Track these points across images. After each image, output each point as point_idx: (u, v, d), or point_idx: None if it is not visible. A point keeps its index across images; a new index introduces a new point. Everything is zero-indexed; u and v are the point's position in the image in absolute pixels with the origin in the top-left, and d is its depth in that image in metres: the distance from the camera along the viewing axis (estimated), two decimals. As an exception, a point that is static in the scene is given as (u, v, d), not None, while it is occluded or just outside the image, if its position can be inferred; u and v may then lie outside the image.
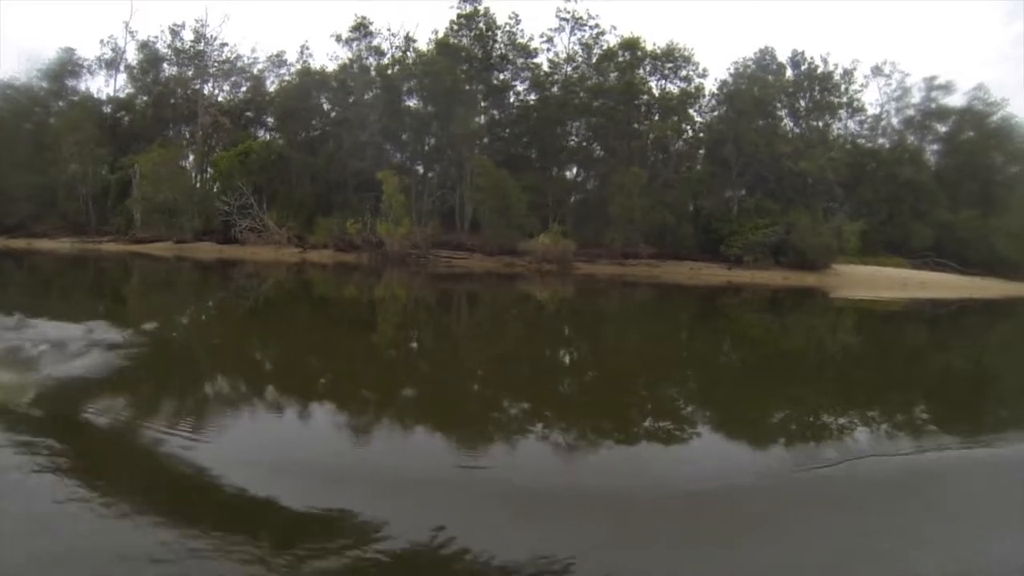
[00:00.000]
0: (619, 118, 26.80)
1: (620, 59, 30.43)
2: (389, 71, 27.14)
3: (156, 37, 36.16)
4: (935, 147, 39.37)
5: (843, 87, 36.75)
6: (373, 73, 27.72)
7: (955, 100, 38.72)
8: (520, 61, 28.31)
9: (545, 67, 30.29)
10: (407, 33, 28.40)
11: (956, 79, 41.54)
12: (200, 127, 35.70)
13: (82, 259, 25.50)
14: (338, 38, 28.84)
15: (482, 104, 28.59)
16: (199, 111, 35.38)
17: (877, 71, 38.59)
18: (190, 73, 37.03)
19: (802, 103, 35.18)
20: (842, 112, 36.82)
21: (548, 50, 31.03)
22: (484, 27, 26.62)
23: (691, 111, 30.71)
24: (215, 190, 30.62)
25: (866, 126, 38.67)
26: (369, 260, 24.14)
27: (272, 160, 29.54)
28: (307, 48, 32.12)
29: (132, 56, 36.00)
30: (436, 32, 27.33)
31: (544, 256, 23.27)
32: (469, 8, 26.69)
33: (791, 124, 32.15)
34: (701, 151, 29.56)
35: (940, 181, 37.78)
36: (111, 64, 35.31)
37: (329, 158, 27.97)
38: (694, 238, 27.03)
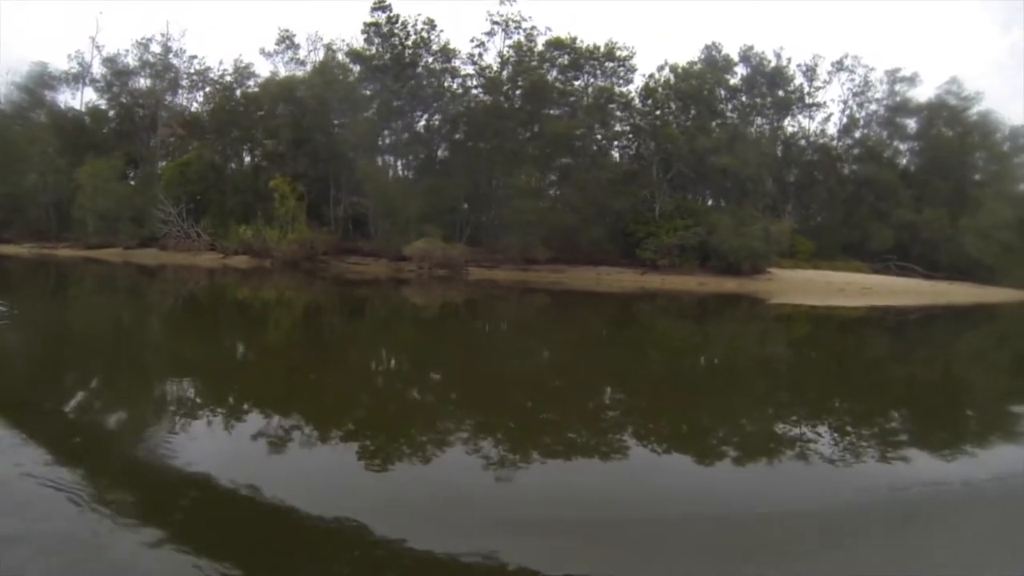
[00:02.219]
0: (523, 118, 26.38)
1: (554, 59, 30.21)
2: (309, 83, 27.66)
3: (127, 50, 38.00)
4: (906, 144, 37.24)
5: (796, 83, 35.32)
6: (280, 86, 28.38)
7: (923, 93, 36.64)
8: (440, 66, 28.30)
9: (477, 71, 30.27)
10: (326, 43, 29.06)
11: (922, 71, 39.47)
12: (160, 138, 37.45)
13: (33, 263, 27.36)
14: (262, 51, 29.68)
15: (412, 111, 28.64)
16: (159, 123, 37.09)
17: (839, 66, 36.84)
18: (164, 85, 38.78)
19: (746, 98, 33.93)
20: (794, 107, 35.32)
21: (481, 55, 31.07)
22: (398, 35, 26.71)
23: (619, 111, 29.99)
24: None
25: (828, 122, 37.03)
26: (271, 264, 24.72)
27: (206, 170, 30.65)
28: (241, 60, 33.34)
29: (98, 70, 37.88)
30: (346, 42, 27.80)
31: (437, 261, 23.16)
32: (382, 16, 26.92)
33: (737, 120, 30.80)
34: (629, 150, 28.66)
35: (908, 180, 35.69)
36: (78, 78, 37.32)
37: (255, 167, 28.81)
38: (611, 242, 26.22)
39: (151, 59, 38.30)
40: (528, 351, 9.69)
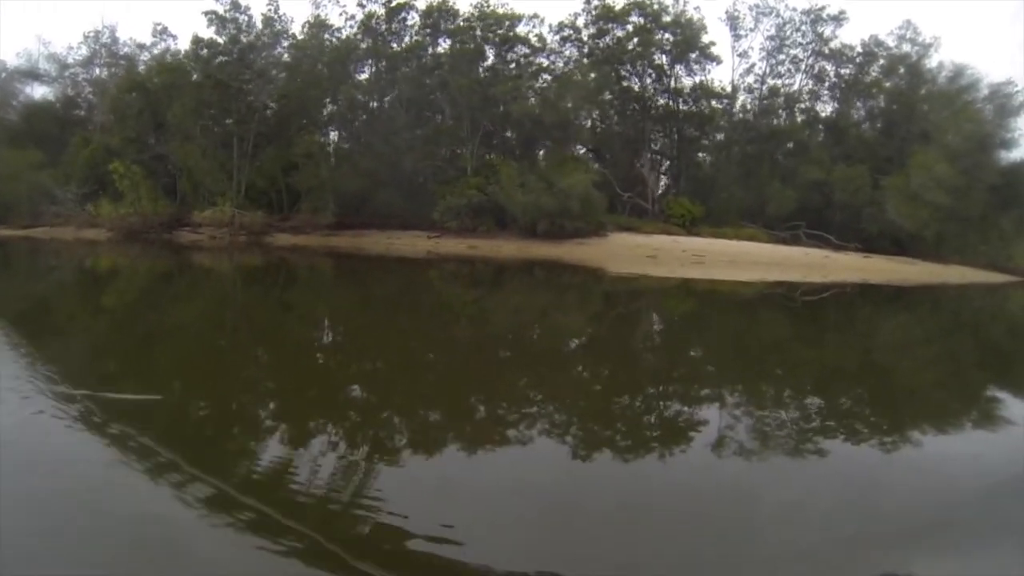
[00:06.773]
0: (324, 83, 26.21)
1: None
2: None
3: (81, 43, 41.69)
4: (835, 95, 32.20)
5: (695, 30, 31.62)
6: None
7: (854, 35, 31.50)
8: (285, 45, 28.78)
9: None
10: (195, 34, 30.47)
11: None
12: (100, 127, 41.26)
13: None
14: (139, 44, 32.20)
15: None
16: (97, 112, 40.88)
17: (761, 10, 32.38)
18: (120, 72, 42.32)
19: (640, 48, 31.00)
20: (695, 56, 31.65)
21: (351, 27, 31.06)
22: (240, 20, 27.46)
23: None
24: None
25: (750, 75, 32.90)
26: (112, 236, 27.35)
27: (104, 155, 33.63)
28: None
29: (44, 65, 42.08)
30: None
31: (240, 227, 24.22)
32: (225, 6, 27.49)
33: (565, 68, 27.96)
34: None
35: (836, 136, 30.93)
36: (27, 74, 41.83)
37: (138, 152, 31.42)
38: (416, 204, 25.11)
39: (100, 50, 42.08)
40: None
